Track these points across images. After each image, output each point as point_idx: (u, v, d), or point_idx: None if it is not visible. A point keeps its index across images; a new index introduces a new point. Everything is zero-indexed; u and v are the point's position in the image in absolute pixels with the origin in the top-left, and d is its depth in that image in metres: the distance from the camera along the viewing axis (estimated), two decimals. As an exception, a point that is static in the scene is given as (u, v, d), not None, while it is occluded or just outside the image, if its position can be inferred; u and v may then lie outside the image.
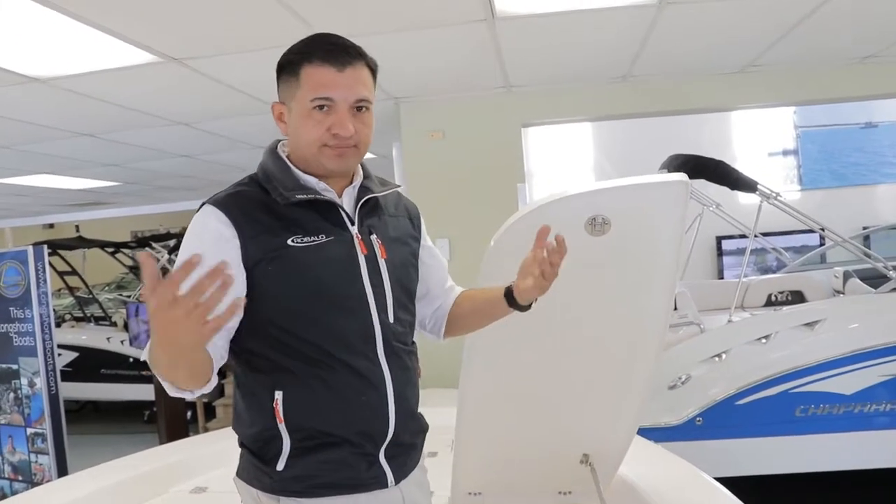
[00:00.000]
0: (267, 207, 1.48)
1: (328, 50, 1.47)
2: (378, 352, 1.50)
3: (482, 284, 1.75)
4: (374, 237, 1.56)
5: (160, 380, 1.32)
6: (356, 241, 1.53)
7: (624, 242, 1.76)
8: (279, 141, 1.61)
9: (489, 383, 2.07)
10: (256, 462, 1.48)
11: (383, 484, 1.51)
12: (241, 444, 1.53)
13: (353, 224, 1.54)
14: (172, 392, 1.35)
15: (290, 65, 1.49)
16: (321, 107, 1.45)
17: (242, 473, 1.53)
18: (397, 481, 1.53)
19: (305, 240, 1.46)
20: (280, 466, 1.44)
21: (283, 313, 1.44)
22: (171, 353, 1.22)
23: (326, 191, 1.52)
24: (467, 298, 1.75)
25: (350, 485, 1.47)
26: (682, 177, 1.75)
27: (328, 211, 1.52)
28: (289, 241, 1.45)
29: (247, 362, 1.49)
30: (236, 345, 1.47)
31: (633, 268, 1.83)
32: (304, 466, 1.45)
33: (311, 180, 1.52)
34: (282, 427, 1.44)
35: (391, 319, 1.54)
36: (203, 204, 1.48)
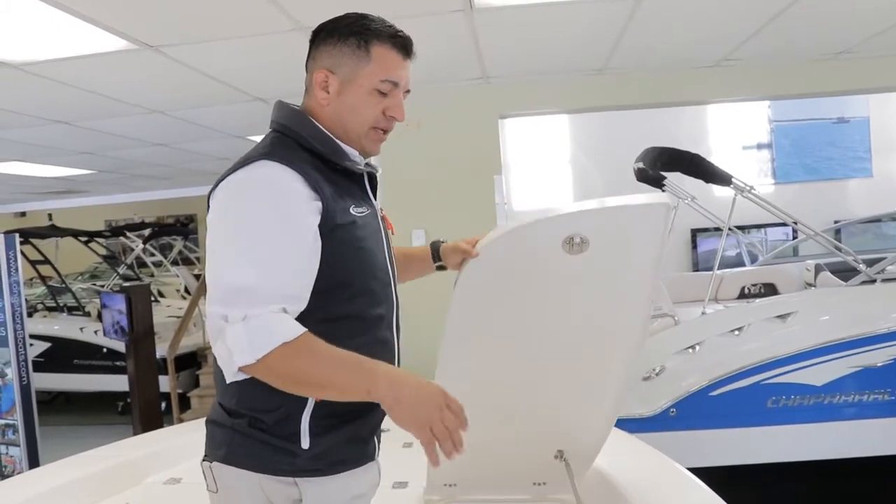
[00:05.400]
0: (320, 171, 1.42)
1: (396, 34, 1.47)
2: (393, 324, 1.55)
3: (458, 295, 1.79)
4: (381, 211, 1.59)
5: (295, 383, 1.31)
6: (379, 215, 1.57)
7: (602, 260, 1.76)
8: (297, 106, 1.53)
9: (465, 377, 2.06)
10: (277, 442, 1.40)
11: (373, 457, 1.54)
12: (251, 426, 1.42)
13: (374, 198, 1.57)
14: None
15: (356, 36, 1.45)
16: (382, 91, 1.46)
17: (237, 458, 1.43)
18: (376, 456, 1.57)
19: (358, 210, 1.46)
20: (305, 444, 1.40)
21: (336, 285, 1.40)
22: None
23: (367, 165, 1.54)
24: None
25: (357, 459, 1.49)
26: (663, 198, 1.76)
27: (361, 183, 1.53)
28: (351, 210, 1.43)
29: None
30: None
31: (609, 284, 1.83)
32: (327, 444, 1.43)
33: (353, 152, 1.50)
34: (310, 403, 1.40)
35: (396, 292, 1.58)
36: (258, 159, 1.36)
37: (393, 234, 1.63)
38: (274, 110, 1.53)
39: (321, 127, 1.47)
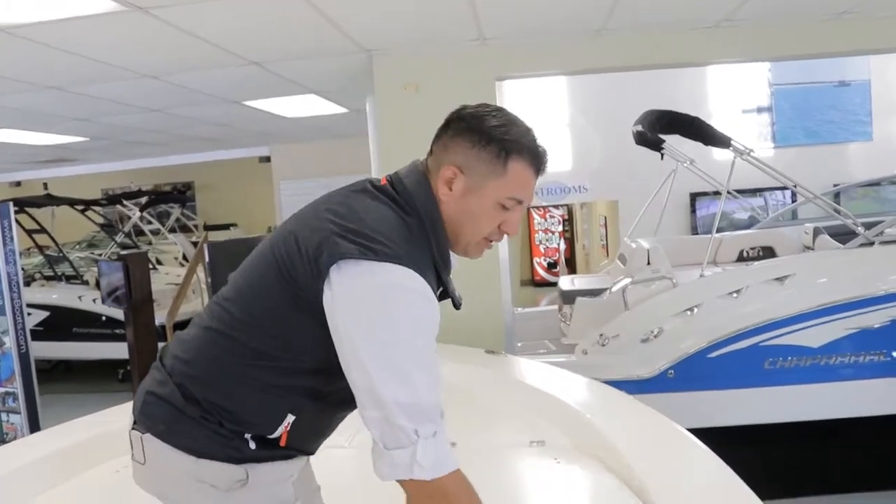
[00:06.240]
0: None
1: (535, 150, 1.43)
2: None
3: None
4: None
5: None
6: None
7: None
8: (429, 185, 1.45)
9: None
10: (226, 434, 1.40)
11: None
12: (203, 418, 1.40)
13: None
14: None
15: (497, 144, 1.39)
16: (505, 206, 1.42)
17: (179, 439, 1.41)
18: None
19: None
20: (252, 447, 1.41)
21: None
22: None
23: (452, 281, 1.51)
24: None
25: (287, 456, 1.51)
26: None
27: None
28: None
29: (293, 375, 1.41)
30: (305, 359, 1.39)
31: None
32: (269, 451, 1.44)
33: (454, 263, 1.49)
34: (272, 437, 1.42)
35: None
36: (397, 262, 1.30)
37: None
38: (411, 177, 1.46)
39: (444, 236, 1.44)
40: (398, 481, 1.31)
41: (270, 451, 1.44)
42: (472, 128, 1.41)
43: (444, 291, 1.45)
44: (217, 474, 1.40)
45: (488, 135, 1.39)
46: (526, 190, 1.43)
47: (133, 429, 1.45)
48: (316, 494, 1.65)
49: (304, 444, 1.50)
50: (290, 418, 1.41)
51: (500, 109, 1.45)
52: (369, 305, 1.28)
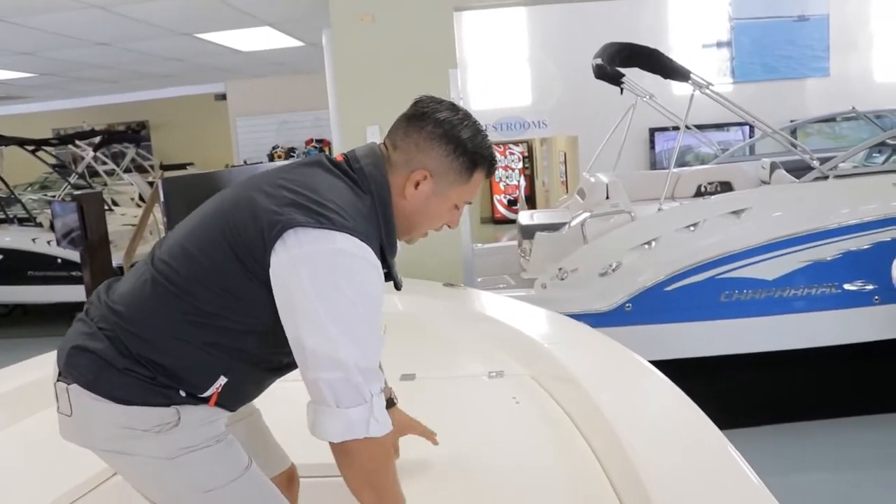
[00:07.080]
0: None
1: (493, 160, 1.53)
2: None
3: None
4: None
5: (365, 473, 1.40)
6: None
7: None
8: (384, 170, 1.48)
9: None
10: (160, 387, 1.39)
11: None
12: (131, 368, 1.38)
13: None
14: None
15: (469, 156, 1.48)
16: (458, 207, 1.55)
17: (108, 388, 1.38)
18: None
19: None
20: (182, 394, 1.40)
21: (282, 342, 1.41)
22: None
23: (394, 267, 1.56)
24: None
25: None
26: None
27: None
28: None
29: (233, 335, 1.41)
30: (251, 321, 1.39)
31: None
32: (196, 400, 1.43)
33: (397, 248, 1.54)
34: (203, 396, 1.42)
35: None
36: (351, 233, 1.34)
37: None
38: (369, 159, 1.48)
39: (392, 221, 1.48)
40: (333, 448, 1.35)
41: (200, 402, 1.45)
42: (450, 137, 1.47)
43: (387, 274, 1.48)
44: (147, 419, 1.38)
45: (463, 146, 1.47)
46: (476, 193, 1.56)
47: (58, 381, 1.42)
48: (250, 420, 1.70)
49: (231, 405, 1.51)
50: (223, 380, 1.42)
51: (468, 115, 1.52)
52: (326, 271, 1.32)
